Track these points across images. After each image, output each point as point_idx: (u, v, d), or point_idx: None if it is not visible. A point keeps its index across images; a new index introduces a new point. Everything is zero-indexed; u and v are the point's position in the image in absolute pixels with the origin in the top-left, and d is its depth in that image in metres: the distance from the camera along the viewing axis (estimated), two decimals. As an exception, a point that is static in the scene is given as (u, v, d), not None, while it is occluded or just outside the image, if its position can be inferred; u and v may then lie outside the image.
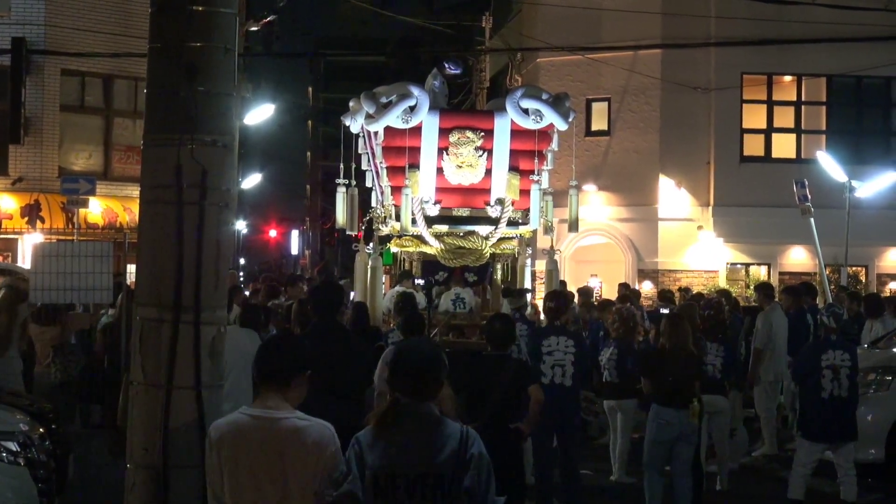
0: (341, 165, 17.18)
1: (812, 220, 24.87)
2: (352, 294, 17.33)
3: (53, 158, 28.67)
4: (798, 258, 31.65)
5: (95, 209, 27.82)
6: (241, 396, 10.27)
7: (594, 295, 24.62)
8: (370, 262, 16.64)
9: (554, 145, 16.27)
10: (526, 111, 15.70)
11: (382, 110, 15.47)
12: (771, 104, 32.34)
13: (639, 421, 14.74)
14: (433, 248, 16.15)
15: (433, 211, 16.00)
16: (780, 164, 31.27)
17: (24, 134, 27.70)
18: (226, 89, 5.68)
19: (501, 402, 10.28)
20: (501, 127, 15.86)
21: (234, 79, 5.78)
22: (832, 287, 24.99)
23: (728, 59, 31.08)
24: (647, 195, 32.11)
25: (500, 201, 15.99)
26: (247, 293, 22.58)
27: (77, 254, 14.11)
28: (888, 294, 28.48)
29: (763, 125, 32.31)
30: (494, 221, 16.06)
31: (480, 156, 15.89)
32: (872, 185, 28.34)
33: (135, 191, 26.05)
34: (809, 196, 25.25)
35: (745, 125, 32.14)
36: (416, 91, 15.58)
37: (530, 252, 17.64)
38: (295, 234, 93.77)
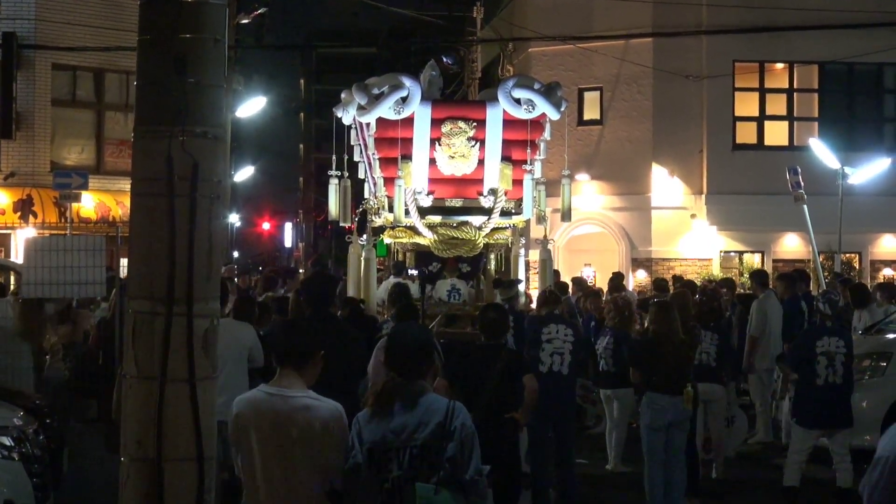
0: (334, 157, 17.16)
1: (805, 207, 24.89)
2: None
3: (45, 153, 28.62)
4: (791, 245, 31.70)
5: (88, 203, 27.77)
6: (235, 388, 10.23)
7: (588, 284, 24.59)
8: (363, 254, 16.63)
9: (546, 135, 16.25)
10: (518, 101, 15.69)
11: (374, 101, 15.46)
12: (763, 92, 32.37)
13: (635, 410, 14.75)
14: (426, 238, 16.14)
15: (426, 202, 15.99)
16: (773, 152, 31.30)
17: (16, 129, 27.60)
18: (216, 81, 5.66)
19: (496, 393, 10.27)
20: (494, 117, 15.85)
21: (225, 70, 5.77)
22: (826, 274, 25.02)
23: (720, 47, 31.09)
24: (640, 184, 32.14)
25: (493, 191, 15.98)
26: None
27: (70, 248, 14.07)
28: (882, 280, 28.51)
29: (755, 113, 32.34)
30: (487, 212, 16.04)
31: (473, 146, 15.88)
32: (865, 172, 28.36)
33: (127, 185, 25.77)
34: (802, 183, 25.26)
35: (738, 113, 32.17)
36: (407, 82, 15.56)
37: (524, 242, 17.64)
38: (288, 226, 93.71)
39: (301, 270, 33.01)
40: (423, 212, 15.97)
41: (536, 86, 16.08)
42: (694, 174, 32.04)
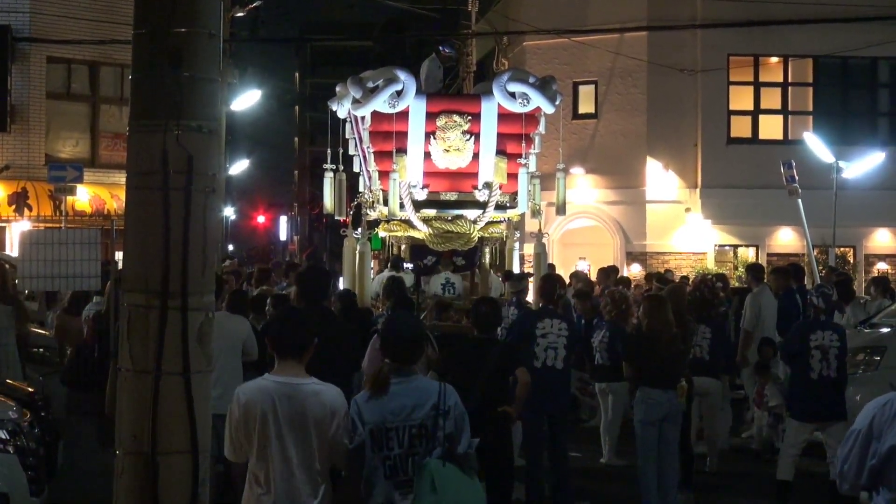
0: (329, 150, 17.18)
1: (800, 201, 24.94)
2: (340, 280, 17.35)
3: (40, 146, 28.60)
4: (786, 239, 31.73)
5: (83, 196, 27.77)
6: (230, 382, 10.27)
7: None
8: (358, 247, 16.64)
9: (541, 128, 16.27)
10: (513, 95, 15.71)
11: (369, 95, 15.47)
12: (757, 85, 32.41)
13: (629, 403, 14.77)
14: (421, 232, 16.16)
15: (421, 195, 16.01)
16: (767, 146, 31.35)
17: (11, 122, 27.63)
18: (211, 75, 5.66)
19: (488, 386, 10.29)
20: (488, 111, 15.87)
21: (220, 64, 5.77)
22: (820, 268, 25.05)
23: (714, 41, 31.12)
24: (635, 178, 32.17)
25: (488, 185, 16.00)
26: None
27: (65, 241, 14.06)
28: (876, 274, 28.54)
29: (750, 107, 32.38)
30: (482, 205, 16.07)
31: (468, 140, 15.89)
32: (859, 166, 28.42)
33: (122, 178, 25.84)
34: (797, 177, 25.31)
35: (732, 107, 32.20)
36: (402, 76, 15.57)
37: (518, 235, 17.68)
38: (283, 219, 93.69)
39: (294, 262, 32.99)
40: (417, 205, 15.98)
41: (531, 79, 16.10)
42: (688, 168, 32.08)
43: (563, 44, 31.86)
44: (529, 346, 12.29)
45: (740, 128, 32.33)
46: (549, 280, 13.46)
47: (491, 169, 15.98)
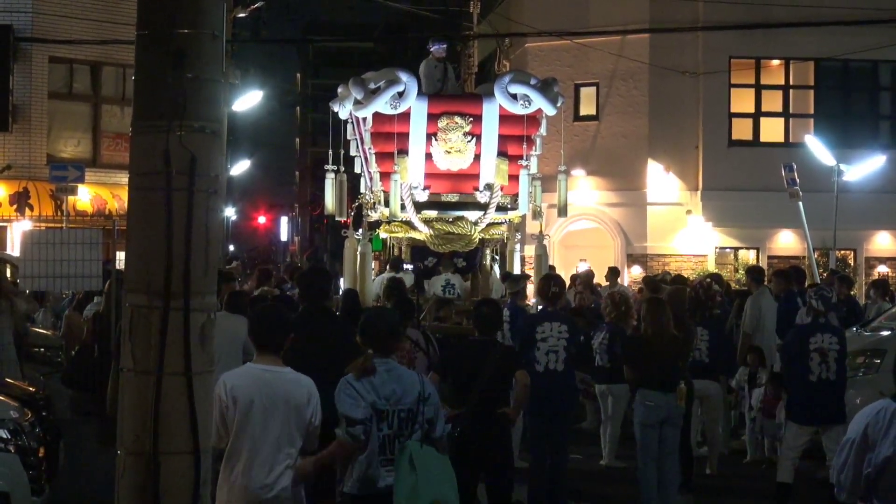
0: (330, 151, 17.16)
1: (800, 203, 24.95)
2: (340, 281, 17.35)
3: (42, 146, 28.62)
4: (787, 242, 31.72)
5: (84, 196, 27.79)
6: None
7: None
8: (359, 248, 16.62)
9: (542, 130, 16.27)
10: (514, 96, 15.71)
11: (371, 96, 15.47)
12: (759, 88, 32.42)
13: (629, 406, 14.78)
14: (422, 233, 16.15)
15: (422, 196, 16.01)
16: (769, 148, 31.36)
17: (13, 121, 27.65)
18: (214, 76, 5.68)
19: (488, 388, 10.30)
20: (490, 112, 15.86)
21: (223, 65, 5.79)
22: (821, 271, 25.05)
23: (716, 44, 31.13)
24: (636, 180, 32.17)
25: (489, 186, 15.99)
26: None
27: (66, 241, 14.10)
28: (876, 277, 28.56)
29: (751, 109, 32.39)
30: (483, 207, 16.06)
31: (469, 141, 15.89)
32: (860, 169, 28.42)
33: (123, 178, 26.01)
34: (798, 180, 25.33)
35: (734, 109, 32.21)
36: (404, 77, 15.57)
37: (519, 237, 17.65)
38: (284, 220, 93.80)
39: (299, 265, 33.03)
40: (418, 206, 15.98)
41: (533, 81, 16.10)
42: (689, 170, 32.08)
43: (564, 46, 31.87)
44: (530, 350, 12.29)
45: (741, 130, 32.33)
46: (545, 279, 13.47)
47: (492, 170, 15.98)
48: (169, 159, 5.49)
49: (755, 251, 32.40)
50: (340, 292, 16.76)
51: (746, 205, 30.64)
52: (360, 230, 16.92)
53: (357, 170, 17.18)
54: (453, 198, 16.20)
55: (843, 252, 30.50)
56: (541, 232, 17.00)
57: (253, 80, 54.73)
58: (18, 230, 24.05)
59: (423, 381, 7.78)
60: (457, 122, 15.86)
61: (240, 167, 55.56)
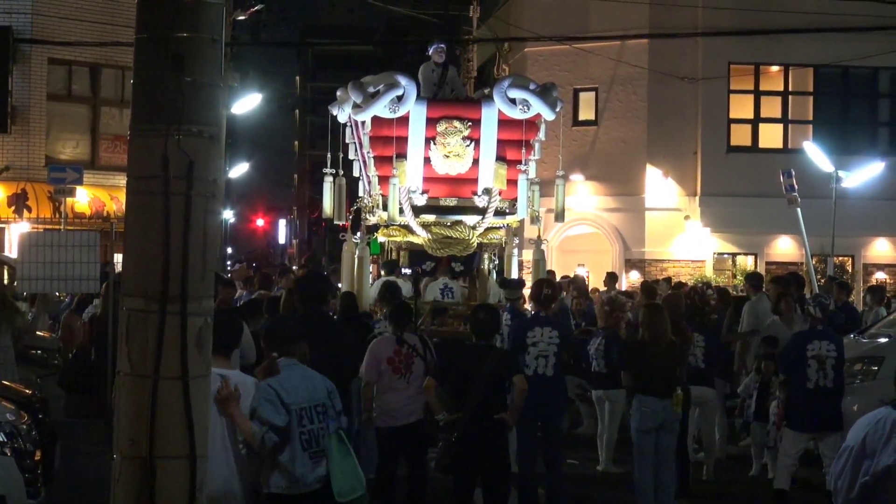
0: (328, 155, 17.17)
1: (799, 210, 24.95)
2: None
3: (40, 147, 28.58)
4: (785, 248, 31.73)
5: (82, 198, 27.75)
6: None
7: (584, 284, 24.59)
8: (357, 252, 16.62)
9: (541, 135, 16.27)
10: (513, 101, 15.71)
11: (370, 100, 15.47)
12: (758, 94, 32.42)
13: (626, 411, 14.77)
14: (420, 237, 16.15)
15: (420, 200, 16.00)
16: (767, 154, 31.34)
17: (11, 123, 27.61)
18: (213, 80, 5.67)
19: (485, 392, 10.30)
20: (489, 117, 15.86)
21: (222, 69, 5.77)
22: (819, 277, 25.05)
23: (715, 49, 31.13)
24: (634, 185, 32.17)
25: (488, 191, 15.99)
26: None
27: (64, 243, 14.09)
28: (874, 283, 28.56)
29: (750, 115, 32.38)
30: (481, 211, 16.06)
31: (468, 145, 15.89)
32: (859, 175, 28.42)
33: (122, 180, 25.93)
34: (796, 186, 25.32)
35: (732, 115, 32.21)
36: (403, 80, 15.57)
37: (517, 242, 17.64)
38: (282, 223, 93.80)
39: (295, 268, 33.01)
40: (417, 210, 15.98)
41: (532, 86, 16.10)
42: (688, 176, 32.08)
43: (563, 50, 31.85)
44: (521, 355, 12.30)
45: (740, 136, 32.33)
46: (538, 283, 13.48)
47: (491, 175, 15.98)
48: (167, 163, 5.48)
49: (753, 257, 32.39)
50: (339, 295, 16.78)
51: (745, 211, 30.64)
52: (359, 234, 16.92)
53: (356, 173, 17.18)
54: (452, 202, 16.20)
55: (841, 258, 30.49)
56: (539, 237, 16.99)
57: (252, 83, 54.82)
58: (16, 232, 24.04)
59: (323, 377, 8.35)
60: (456, 127, 15.86)
61: (238, 170, 55.50)
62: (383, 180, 15.81)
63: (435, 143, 15.87)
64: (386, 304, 13.41)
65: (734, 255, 32.62)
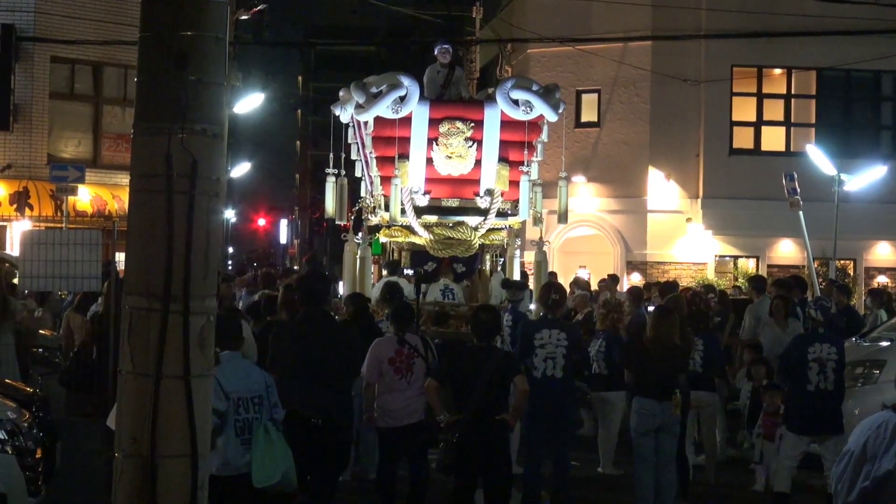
0: (331, 155, 17.17)
1: (801, 213, 24.96)
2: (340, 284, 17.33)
3: (42, 146, 28.60)
4: (787, 251, 31.72)
5: (84, 197, 27.78)
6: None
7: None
8: (359, 252, 16.63)
9: (543, 136, 16.27)
10: (516, 102, 15.71)
11: (372, 100, 15.47)
12: (760, 97, 32.41)
13: (627, 413, 14.76)
14: (422, 238, 16.15)
15: (422, 201, 16.00)
16: (770, 157, 31.35)
17: (14, 121, 27.64)
18: (216, 78, 5.66)
19: (487, 393, 10.30)
20: (491, 118, 15.86)
21: (225, 68, 5.77)
22: (820, 280, 25.04)
23: (718, 52, 31.13)
24: (637, 187, 32.17)
25: (490, 192, 15.99)
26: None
27: (66, 242, 14.05)
28: (876, 286, 28.54)
29: (752, 118, 32.38)
30: (484, 212, 16.06)
31: (470, 146, 15.89)
32: (861, 179, 28.43)
33: (124, 179, 26.02)
34: (798, 189, 25.33)
35: (735, 118, 32.20)
36: (405, 81, 15.57)
37: (519, 243, 17.65)
38: (284, 223, 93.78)
39: (297, 268, 33.02)
40: (419, 211, 15.98)
41: (534, 87, 16.09)
42: (690, 178, 32.07)
43: (566, 52, 31.84)
44: (529, 357, 12.28)
45: (743, 139, 32.33)
46: (546, 287, 13.47)
47: (493, 176, 15.98)
48: (170, 162, 5.48)
49: (755, 260, 32.39)
50: (340, 296, 16.79)
51: (747, 213, 30.64)
52: (360, 234, 16.92)
53: (358, 173, 17.18)
54: (454, 203, 16.20)
55: (842, 262, 30.50)
56: (541, 238, 17.00)
57: (254, 83, 54.82)
58: (18, 230, 24.02)
59: (262, 371, 9.30)
60: (458, 128, 15.86)
61: (240, 169, 55.56)
62: (385, 181, 15.81)
63: (437, 144, 15.87)
64: (388, 305, 13.40)
65: (736, 257, 32.61)
